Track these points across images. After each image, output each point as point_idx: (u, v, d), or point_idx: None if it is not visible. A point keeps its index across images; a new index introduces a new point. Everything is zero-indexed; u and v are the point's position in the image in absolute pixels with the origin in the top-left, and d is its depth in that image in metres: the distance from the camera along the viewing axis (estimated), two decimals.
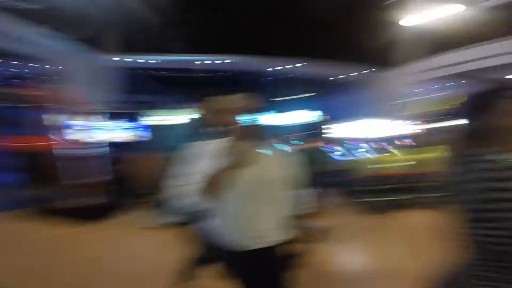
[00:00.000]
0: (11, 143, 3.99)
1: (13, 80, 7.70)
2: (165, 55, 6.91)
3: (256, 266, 0.93)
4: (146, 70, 7.94)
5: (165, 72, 8.14)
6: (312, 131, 6.28)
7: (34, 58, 6.41)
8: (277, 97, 9.89)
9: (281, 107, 7.61)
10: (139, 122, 5.63)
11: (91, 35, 5.52)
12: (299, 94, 10.56)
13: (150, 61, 7.22)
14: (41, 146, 3.87)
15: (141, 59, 7.09)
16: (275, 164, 1.01)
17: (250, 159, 0.84)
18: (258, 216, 0.96)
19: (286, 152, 1.17)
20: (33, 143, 3.91)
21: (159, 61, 7.14)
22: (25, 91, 4.17)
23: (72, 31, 5.34)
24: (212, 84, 9.59)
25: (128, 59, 6.91)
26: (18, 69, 7.67)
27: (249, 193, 0.94)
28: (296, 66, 7.77)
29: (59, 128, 3.84)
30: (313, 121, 6.68)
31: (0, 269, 2.27)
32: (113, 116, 5.50)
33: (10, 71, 7.85)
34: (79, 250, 2.85)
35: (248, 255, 0.92)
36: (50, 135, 3.86)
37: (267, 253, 0.94)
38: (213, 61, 7.20)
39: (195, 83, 9.62)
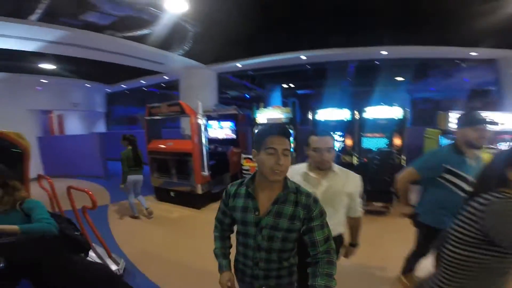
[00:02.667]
0: (164, 145, 5.41)
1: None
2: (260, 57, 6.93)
3: None
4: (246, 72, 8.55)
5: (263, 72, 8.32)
6: None
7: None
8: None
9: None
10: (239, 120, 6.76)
11: (193, 50, 6.17)
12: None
13: (251, 64, 7.47)
14: (182, 147, 5.06)
15: (240, 64, 7.46)
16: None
17: None
18: None
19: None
20: (177, 145, 5.21)
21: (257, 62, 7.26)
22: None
23: (180, 49, 6.08)
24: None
25: (229, 65, 7.50)
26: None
27: None
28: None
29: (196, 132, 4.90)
30: None
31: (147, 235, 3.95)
32: (219, 117, 6.83)
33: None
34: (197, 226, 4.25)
35: None
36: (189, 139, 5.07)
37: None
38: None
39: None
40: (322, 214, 1.16)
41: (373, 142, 5.05)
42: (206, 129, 5.05)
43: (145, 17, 4.64)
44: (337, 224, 1.63)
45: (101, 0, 3.93)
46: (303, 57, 6.72)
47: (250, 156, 5.33)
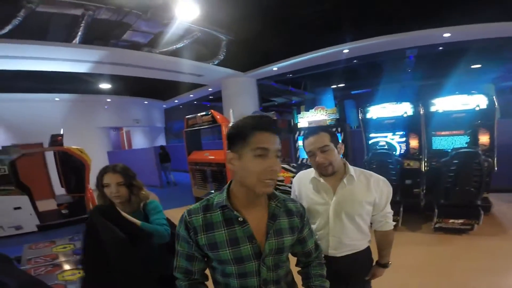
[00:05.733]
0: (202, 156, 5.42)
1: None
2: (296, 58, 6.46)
3: None
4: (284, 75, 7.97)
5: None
6: None
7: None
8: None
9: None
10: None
11: (229, 59, 6.15)
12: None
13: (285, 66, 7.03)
14: (216, 157, 4.98)
15: (276, 67, 7.11)
16: None
17: None
18: None
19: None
20: (213, 155, 5.10)
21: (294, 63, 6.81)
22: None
23: (215, 59, 6.10)
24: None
25: (265, 70, 7.21)
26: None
27: None
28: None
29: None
30: None
31: None
32: None
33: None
34: None
35: None
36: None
37: None
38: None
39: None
40: (308, 218, 1.03)
41: (448, 142, 3.90)
42: None
43: (177, 32, 4.76)
44: (361, 239, 1.32)
45: (134, 19, 4.15)
46: (346, 51, 5.88)
47: (283, 165, 4.79)
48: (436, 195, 3.31)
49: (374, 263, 1.41)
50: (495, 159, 3.34)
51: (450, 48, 6.00)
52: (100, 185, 1.48)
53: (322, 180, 1.27)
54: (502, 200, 3.99)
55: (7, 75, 5.34)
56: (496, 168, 3.33)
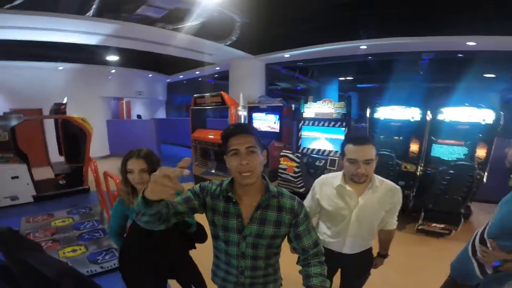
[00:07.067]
0: (204, 135, 5.45)
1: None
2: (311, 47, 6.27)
3: None
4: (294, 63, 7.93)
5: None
6: None
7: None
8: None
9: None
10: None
11: (241, 41, 6.00)
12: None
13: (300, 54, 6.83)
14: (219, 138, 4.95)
15: (288, 54, 6.91)
16: None
17: None
18: None
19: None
20: (217, 135, 5.01)
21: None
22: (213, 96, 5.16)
23: (228, 39, 5.99)
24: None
25: (277, 56, 7.03)
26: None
27: None
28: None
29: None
30: None
31: None
32: (266, 109, 6.23)
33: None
34: None
35: None
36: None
37: None
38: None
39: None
40: (308, 217, 1.11)
41: (447, 151, 4.04)
42: (245, 121, 4.87)
43: (193, 9, 4.63)
44: (372, 239, 1.54)
45: None
46: (363, 47, 5.80)
47: (288, 154, 4.91)
48: (425, 199, 3.52)
49: (376, 255, 1.65)
50: (486, 172, 3.53)
51: (471, 56, 5.93)
52: (124, 170, 1.49)
53: (348, 187, 1.38)
54: (483, 209, 4.23)
55: (11, 43, 5.17)
56: (485, 181, 3.53)
